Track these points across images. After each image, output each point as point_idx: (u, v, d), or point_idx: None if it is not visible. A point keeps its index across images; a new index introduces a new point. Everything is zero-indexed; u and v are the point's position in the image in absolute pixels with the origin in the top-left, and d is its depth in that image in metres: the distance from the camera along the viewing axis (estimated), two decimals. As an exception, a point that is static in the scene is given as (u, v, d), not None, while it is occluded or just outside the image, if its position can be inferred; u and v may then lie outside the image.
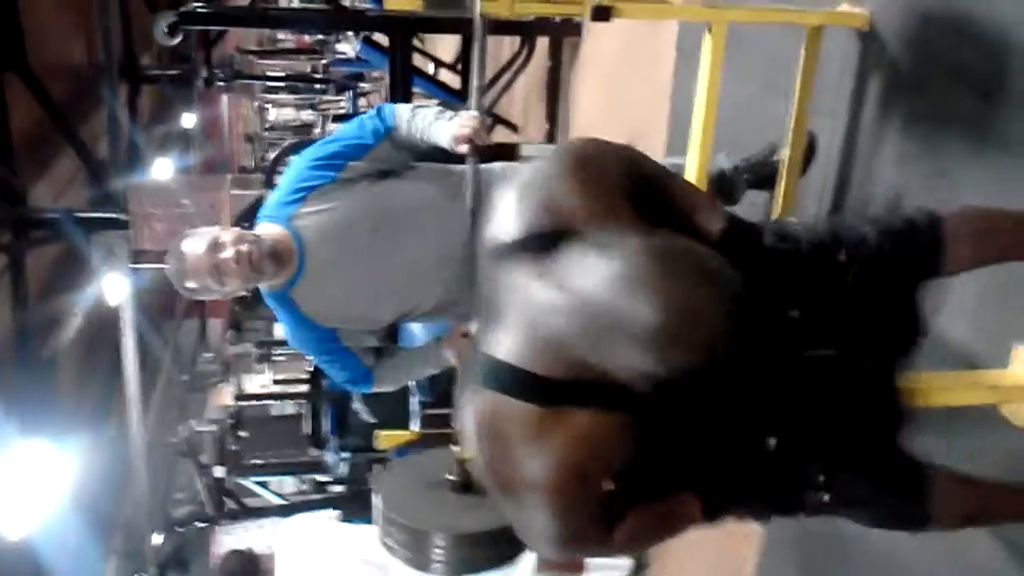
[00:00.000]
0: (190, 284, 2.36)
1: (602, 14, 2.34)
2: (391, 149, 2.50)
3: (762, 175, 3.00)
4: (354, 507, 4.31)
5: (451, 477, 2.59)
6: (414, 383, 4.52)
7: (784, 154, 2.76)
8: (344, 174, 2.45)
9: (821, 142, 2.79)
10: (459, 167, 2.49)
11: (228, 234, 2.35)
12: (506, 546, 2.54)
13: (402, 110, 2.48)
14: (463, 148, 2.37)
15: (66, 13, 8.91)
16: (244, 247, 2.32)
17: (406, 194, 2.53)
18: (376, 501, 2.60)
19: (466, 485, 2.60)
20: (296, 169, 2.52)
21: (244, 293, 2.57)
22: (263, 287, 2.51)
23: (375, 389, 2.76)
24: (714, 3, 2.97)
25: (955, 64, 2.33)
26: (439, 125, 2.41)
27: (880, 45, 2.55)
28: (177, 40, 4.68)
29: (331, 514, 4.28)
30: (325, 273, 2.47)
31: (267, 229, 2.45)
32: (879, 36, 2.55)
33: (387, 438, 2.95)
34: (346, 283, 2.50)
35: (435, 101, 2.56)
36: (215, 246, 2.32)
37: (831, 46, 2.67)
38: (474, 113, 2.37)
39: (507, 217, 1.52)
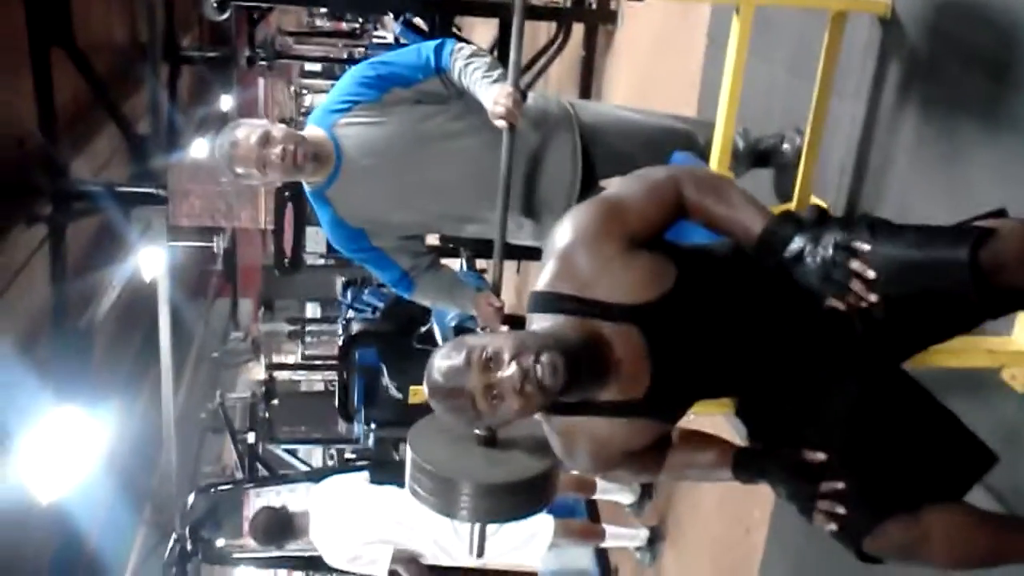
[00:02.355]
0: (237, 169, 2.60)
1: (635, -8, 2.47)
2: (439, 84, 2.69)
3: (764, 156, 3.15)
4: (382, 474, 4.44)
5: (478, 432, 2.73)
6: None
7: (804, 136, 2.87)
8: (387, 96, 2.67)
9: (843, 124, 2.88)
10: None
11: (278, 131, 2.58)
12: (528, 497, 2.68)
13: (460, 55, 2.63)
14: (500, 123, 2.53)
15: (113, -8, 9.10)
16: (291, 146, 2.57)
17: (443, 124, 2.73)
18: (408, 451, 2.74)
19: (492, 440, 2.74)
20: (347, 81, 2.74)
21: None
22: (304, 183, 2.77)
23: (416, 297, 2.99)
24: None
25: (970, 49, 2.40)
26: (483, 87, 2.55)
27: (900, 31, 2.64)
28: (225, 16, 4.82)
29: (363, 476, 4.42)
30: (357, 179, 2.72)
31: (312, 131, 2.69)
32: (900, 22, 2.64)
33: (420, 393, 3.10)
34: (375, 191, 2.74)
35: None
36: (265, 140, 2.56)
37: (854, 31, 2.75)
38: (510, 89, 2.51)
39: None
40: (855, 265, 1.58)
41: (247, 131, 2.59)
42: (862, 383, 1.79)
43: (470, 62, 2.62)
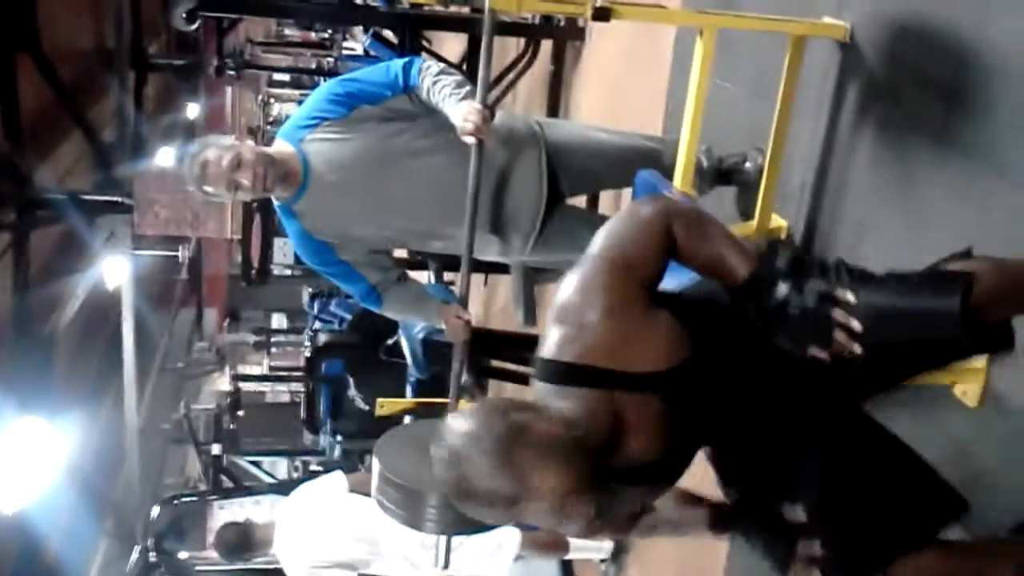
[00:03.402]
0: (207, 188, 2.66)
1: (602, 14, 2.51)
2: (407, 102, 2.74)
3: (727, 174, 3.21)
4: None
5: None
6: (411, 361, 4.72)
7: (765, 155, 2.93)
8: (356, 113, 2.72)
9: (803, 144, 2.96)
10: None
11: (249, 153, 2.64)
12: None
13: (428, 73, 2.68)
14: (468, 139, 2.57)
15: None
16: (260, 169, 2.64)
17: (410, 141, 2.78)
18: (375, 463, 2.77)
19: (459, 450, 2.78)
20: (316, 97, 2.80)
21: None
22: (272, 197, 2.83)
23: (384, 310, 3.03)
24: (706, 8, 3.14)
25: (923, 74, 2.48)
26: (451, 103, 2.59)
27: (859, 55, 2.71)
28: (195, 26, 4.83)
29: (336, 479, 4.39)
30: (325, 194, 2.77)
31: (280, 147, 2.75)
32: (858, 47, 2.71)
33: (388, 405, 3.13)
34: (342, 206, 2.79)
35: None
36: (237, 163, 2.62)
37: (815, 54, 2.82)
38: (478, 106, 2.55)
39: None
40: (839, 316, 1.54)
41: (218, 153, 2.62)
42: (834, 432, 1.81)
43: (438, 80, 2.67)
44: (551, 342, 1.59)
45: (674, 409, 1.60)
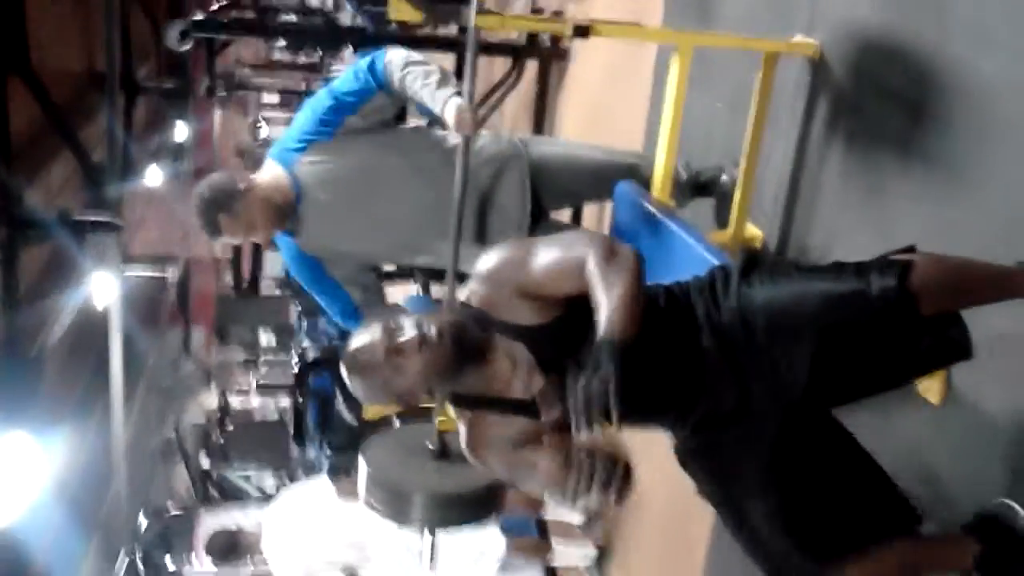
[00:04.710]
0: (224, 239, 2.89)
1: (582, 32, 2.62)
2: (384, 98, 2.83)
3: (704, 186, 3.32)
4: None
5: (431, 446, 2.86)
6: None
7: (740, 168, 3.04)
8: (341, 130, 2.82)
9: (777, 157, 3.07)
10: (443, 136, 2.93)
11: (258, 212, 2.84)
12: (478, 507, 2.80)
13: (394, 64, 2.75)
14: (459, 133, 2.67)
15: (70, 21, 9.11)
16: (274, 222, 2.86)
17: (396, 159, 2.88)
18: (362, 464, 2.85)
19: (444, 453, 2.87)
20: (302, 120, 2.89)
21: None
22: None
23: None
24: (685, 27, 3.26)
25: (888, 90, 2.59)
26: (428, 94, 2.69)
27: (828, 72, 2.83)
28: (188, 46, 4.93)
29: (322, 482, 4.45)
30: (316, 213, 2.87)
31: (272, 169, 2.86)
32: (828, 64, 2.83)
33: (374, 410, 3.21)
34: (332, 224, 2.89)
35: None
36: (249, 223, 2.83)
37: (787, 71, 2.94)
38: (466, 103, 2.65)
39: None
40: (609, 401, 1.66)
41: (230, 221, 2.80)
42: (795, 428, 1.93)
43: (407, 72, 2.74)
44: (465, 291, 1.99)
45: (540, 358, 1.89)
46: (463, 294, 2.00)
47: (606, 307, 1.75)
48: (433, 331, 1.85)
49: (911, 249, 1.89)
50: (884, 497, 1.99)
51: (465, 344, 1.88)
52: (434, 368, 1.86)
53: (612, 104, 4.88)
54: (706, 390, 1.91)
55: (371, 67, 2.79)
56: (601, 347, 1.70)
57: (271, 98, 14.26)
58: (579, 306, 1.87)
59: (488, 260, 1.95)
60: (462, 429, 2.01)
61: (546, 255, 1.90)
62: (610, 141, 4.74)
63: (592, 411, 1.65)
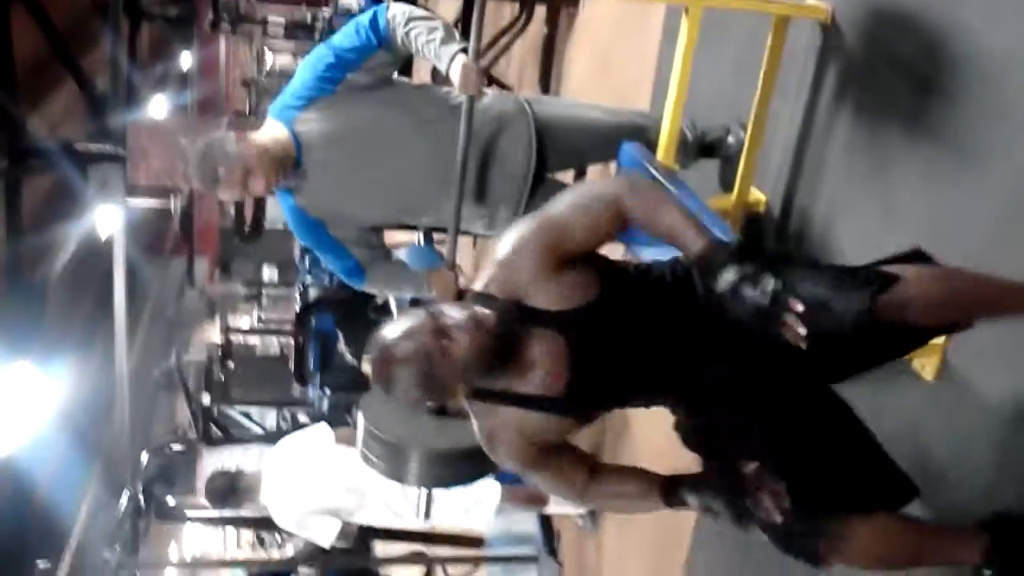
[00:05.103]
0: (222, 195, 2.81)
1: (592, -11, 2.60)
2: (386, 55, 2.78)
3: (709, 147, 3.30)
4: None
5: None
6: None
7: (747, 131, 3.02)
8: (342, 87, 2.77)
9: (784, 121, 3.04)
10: (448, 93, 2.86)
11: (255, 160, 2.74)
12: (474, 464, 2.84)
13: (397, 20, 2.70)
14: (464, 92, 2.65)
15: (72, -55, 8.98)
16: (272, 174, 2.76)
17: (397, 117, 2.84)
18: (360, 419, 2.89)
19: (441, 409, 2.90)
20: (301, 76, 2.85)
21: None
22: None
23: (367, 287, 3.12)
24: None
25: (898, 58, 2.56)
26: (432, 51, 2.66)
27: (840, 38, 2.79)
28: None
29: (321, 429, 4.52)
30: (316, 172, 2.85)
31: (274, 129, 2.82)
32: (839, 29, 2.78)
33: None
34: (333, 183, 2.86)
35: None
36: (246, 172, 2.74)
37: (797, 34, 2.90)
38: (471, 62, 2.62)
39: None
40: (790, 319, 1.70)
41: (229, 166, 2.72)
42: (795, 406, 1.96)
43: (410, 28, 2.69)
44: (482, 279, 1.89)
45: (574, 347, 1.85)
46: (477, 285, 1.90)
47: (682, 226, 1.80)
48: (483, 314, 1.80)
49: (916, 254, 1.88)
50: (882, 466, 2.01)
51: (512, 331, 1.82)
52: (481, 354, 1.78)
53: (620, 55, 4.82)
54: (706, 366, 1.93)
55: (373, 23, 2.74)
56: (723, 253, 1.75)
57: (277, 25, 14.05)
58: (614, 282, 1.88)
59: (505, 242, 1.88)
60: (475, 422, 1.97)
61: (569, 203, 1.88)
62: (618, 91, 4.72)
63: (777, 324, 1.68)
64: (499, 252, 1.88)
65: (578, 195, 1.90)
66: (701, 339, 1.90)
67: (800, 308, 1.69)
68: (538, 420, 1.90)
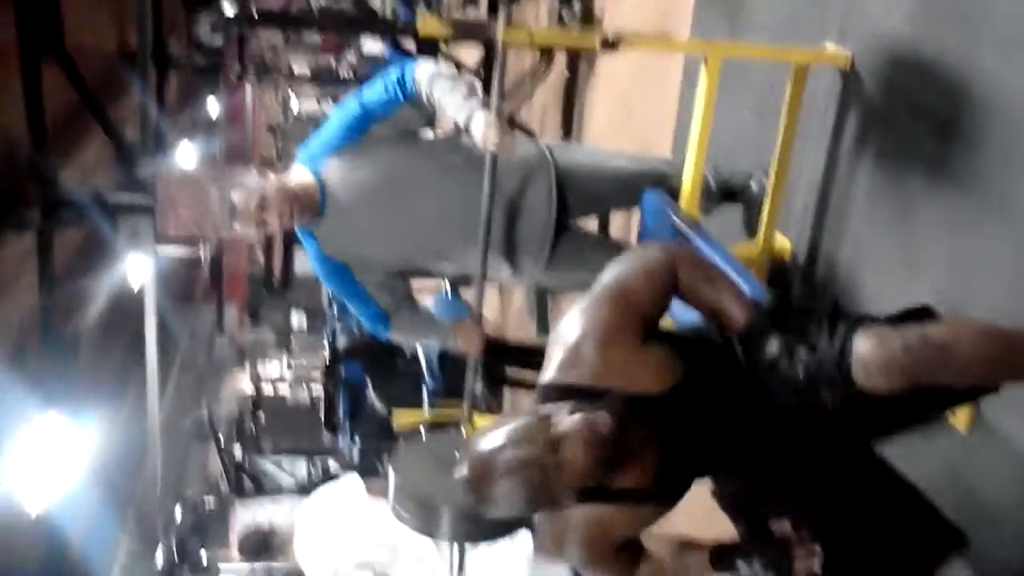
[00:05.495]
0: (236, 226, 2.78)
1: (610, 46, 2.61)
2: (411, 109, 2.83)
3: (732, 193, 3.30)
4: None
5: (460, 456, 2.87)
6: (427, 372, 4.82)
7: (769, 177, 3.02)
8: (368, 137, 2.83)
9: (806, 167, 3.04)
10: (471, 144, 2.82)
11: (274, 194, 2.74)
12: (508, 522, 2.82)
13: (422, 75, 2.75)
14: (490, 148, 2.68)
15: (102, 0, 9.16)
16: (286, 208, 2.76)
17: (421, 166, 2.88)
18: (391, 475, 2.88)
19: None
20: (329, 126, 2.90)
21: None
22: None
23: (392, 335, 3.11)
24: (714, 34, 3.21)
25: (918, 104, 2.56)
26: (456, 108, 2.70)
27: (859, 83, 2.79)
28: (220, 40, 4.93)
29: (352, 481, 4.50)
30: (341, 217, 2.88)
31: (299, 173, 2.86)
32: (859, 75, 2.80)
33: (402, 416, 3.23)
34: (358, 229, 2.90)
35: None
36: (263, 204, 2.74)
37: (817, 80, 2.91)
38: (494, 117, 2.64)
39: None
40: (825, 396, 1.69)
41: (245, 195, 2.73)
42: (837, 467, 1.93)
43: (435, 81, 2.74)
44: (552, 367, 1.76)
45: (663, 436, 1.75)
46: (548, 374, 1.77)
47: (733, 295, 1.78)
48: (599, 420, 1.62)
49: (924, 311, 1.85)
50: (929, 519, 1.98)
51: (630, 432, 1.67)
52: (599, 465, 1.63)
53: (641, 100, 4.84)
54: (753, 436, 1.89)
55: (400, 79, 2.79)
56: (767, 327, 1.73)
57: (302, 74, 14.25)
58: (694, 357, 1.80)
59: (572, 321, 1.77)
60: (543, 525, 1.85)
61: (626, 271, 1.81)
62: (640, 137, 4.73)
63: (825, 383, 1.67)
64: (568, 333, 1.76)
65: (632, 263, 1.83)
66: (748, 408, 1.84)
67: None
68: (621, 514, 1.79)
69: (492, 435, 1.66)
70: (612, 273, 1.82)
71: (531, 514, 1.84)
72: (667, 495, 1.85)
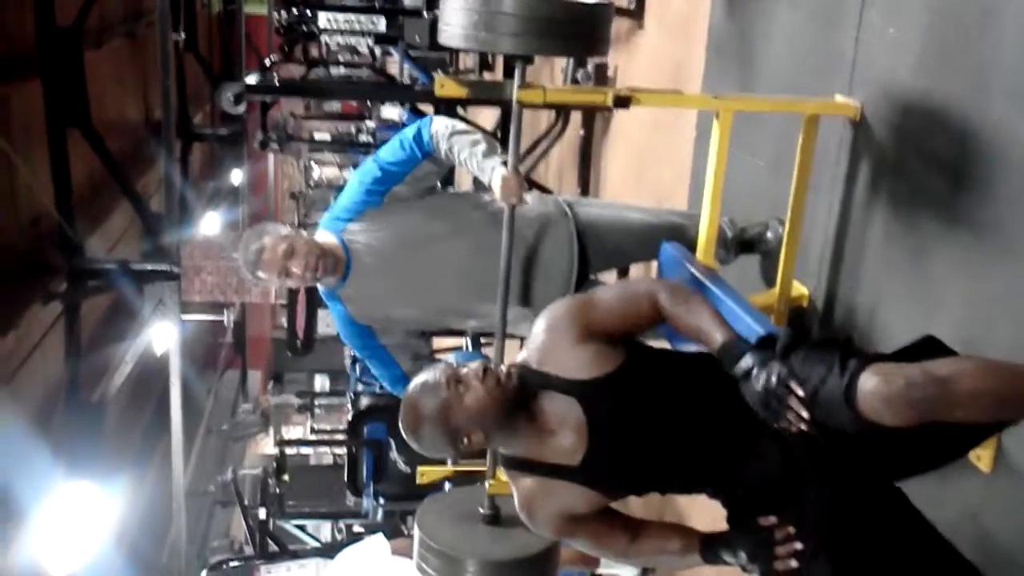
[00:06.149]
0: (260, 274, 2.82)
1: (622, 102, 2.67)
2: (430, 166, 2.89)
3: (749, 243, 3.34)
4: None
5: (483, 510, 2.89)
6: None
7: (784, 227, 3.05)
8: (388, 198, 2.88)
9: (820, 216, 3.08)
10: (490, 200, 2.93)
11: (302, 243, 2.79)
12: (531, 572, 2.82)
13: (440, 133, 2.81)
14: (504, 207, 2.73)
15: (127, 72, 9.39)
16: (312, 259, 2.79)
17: (441, 220, 2.93)
18: (416, 530, 2.89)
19: (496, 517, 2.90)
20: (350, 190, 2.95)
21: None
22: (318, 284, 2.97)
23: None
24: (725, 88, 3.27)
25: (928, 151, 2.59)
26: (475, 163, 2.77)
27: (870, 133, 2.83)
28: (242, 109, 5.05)
29: (377, 542, 4.49)
30: (365, 279, 2.91)
31: (324, 237, 2.89)
32: (869, 124, 2.84)
33: (427, 473, 3.24)
34: (381, 289, 2.93)
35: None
36: (290, 252, 2.77)
37: (829, 130, 2.95)
38: (511, 173, 2.69)
39: None
40: (792, 403, 1.80)
41: (273, 241, 2.78)
42: (849, 497, 1.93)
43: (454, 138, 2.80)
44: (521, 355, 2.08)
45: (592, 417, 1.97)
46: (519, 358, 2.08)
47: (709, 321, 1.95)
48: (499, 368, 1.97)
49: (929, 343, 1.88)
50: (946, 557, 1.97)
51: (524, 387, 1.97)
52: (494, 403, 1.94)
53: (656, 155, 4.91)
54: (745, 462, 1.96)
55: (417, 137, 2.85)
56: (741, 345, 1.88)
57: (323, 141, 14.49)
58: (639, 356, 2.00)
59: (550, 310, 2.07)
60: (515, 492, 2.09)
61: (612, 290, 2.11)
62: (656, 190, 4.79)
63: (782, 408, 1.79)
64: (536, 326, 2.07)
65: (620, 286, 2.13)
66: (733, 431, 1.96)
67: (801, 392, 1.78)
68: (564, 490, 2.01)
69: (415, 384, 2.00)
70: (599, 291, 2.14)
71: (457, 456, 2.16)
72: (596, 480, 2.01)
